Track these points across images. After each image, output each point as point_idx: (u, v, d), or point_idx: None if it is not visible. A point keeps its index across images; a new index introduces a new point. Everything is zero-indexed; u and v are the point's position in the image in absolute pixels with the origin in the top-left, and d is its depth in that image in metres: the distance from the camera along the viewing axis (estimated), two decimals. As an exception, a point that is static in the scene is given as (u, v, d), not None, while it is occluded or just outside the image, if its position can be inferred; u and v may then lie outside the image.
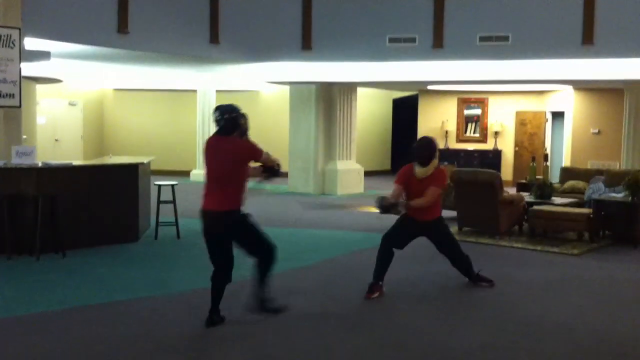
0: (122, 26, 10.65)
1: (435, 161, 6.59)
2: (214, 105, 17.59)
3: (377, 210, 6.62)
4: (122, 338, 5.18)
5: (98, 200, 8.67)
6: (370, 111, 19.90)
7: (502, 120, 17.59)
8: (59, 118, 18.54)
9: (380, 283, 6.56)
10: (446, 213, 11.27)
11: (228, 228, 5.48)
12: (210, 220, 5.48)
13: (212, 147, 5.50)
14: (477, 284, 6.96)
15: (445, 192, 6.63)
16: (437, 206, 6.77)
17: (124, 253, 8.42)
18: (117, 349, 4.95)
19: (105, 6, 10.58)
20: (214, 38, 12.08)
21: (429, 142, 6.66)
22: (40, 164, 8.35)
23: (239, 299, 6.29)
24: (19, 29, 9.00)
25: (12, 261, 7.72)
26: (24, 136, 10.86)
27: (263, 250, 5.61)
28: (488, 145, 17.71)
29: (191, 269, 7.63)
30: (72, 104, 18.87)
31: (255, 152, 5.47)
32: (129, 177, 9.10)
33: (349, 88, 15.54)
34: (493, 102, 17.75)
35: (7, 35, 8.90)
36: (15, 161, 8.20)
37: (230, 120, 5.43)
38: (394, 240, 6.70)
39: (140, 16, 10.84)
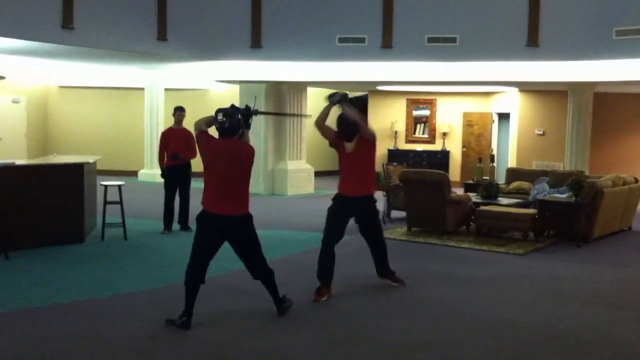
0: (67, 21, 10.40)
1: (358, 136, 6.61)
2: (162, 104, 17.43)
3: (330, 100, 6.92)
4: (69, 339, 5.07)
5: (42, 201, 8.47)
6: (320, 111, 19.88)
7: (449, 121, 17.82)
8: (2, 115, 18.03)
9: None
10: (395, 214, 11.45)
11: (249, 230, 5.69)
12: (231, 224, 5.56)
13: (226, 151, 5.55)
14: (387, 278, 6.96)
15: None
16: (372, 182, 6.75)
17: (70, 254, 8.24)
18: (63, 349, 4.84)
19: (49, 0, 10.32)
20: (162, 35, 11.92)
21: (354, 121, 6.64)
22: (-19, 163, 8.12)
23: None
24: (-41, 23, 8.74)
25: (-49, 263, 7.49)
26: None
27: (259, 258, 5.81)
28: (436, 146, 17.92)
29: (138, 270, 7.52)
30: (15, 101, 18.38)
31: (253, 155, 5.77)
32: (74, 176, 8.90)
33: (299, 87, 15.53)
34: (441, 103, 17.97)
35: (-54, 30, 8.63)
36: (-45, 159, 7.96)
37: (236, 123, 5.60)
38: (335, 237, 6.61)
39: (86, 11, 10.61)
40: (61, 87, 19.30)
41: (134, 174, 17.70)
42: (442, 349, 5.05)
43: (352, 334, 5.37)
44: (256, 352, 4.88)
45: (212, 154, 5.55)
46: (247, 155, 5.63)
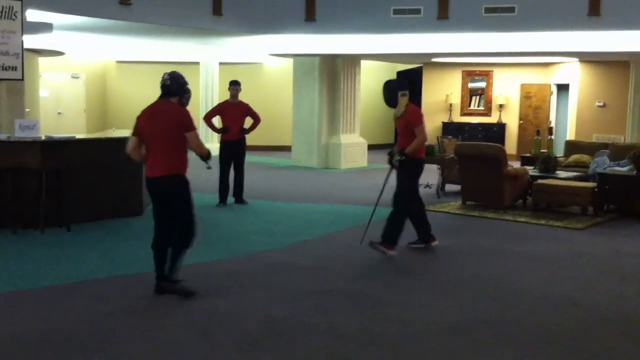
0: (125, -3, 10.55)
1: (404, 99, 6.90)
2: (216, 78, 17.60)
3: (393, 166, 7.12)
4: (128, 311, 5.19)
5: (102, 174, 8.65)
6: (374, 84, 19.74)
7: (506, 93, 17.49)
8: (62, 91, 18.48)
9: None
10: (450, 187, 11.33)
11: (169, 192, 5.52)
12: (155, 186, 5.53)
13: (153, 111, 5.55)
14: (427, 245, 7.29)
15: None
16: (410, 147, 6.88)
17: (129, 227, 8.42)
18: (125, 322, 4.96)
19: (107, -23, 10.46)
20: (217, 10, 11.97)
21: (387, 84, 7.09)
22: (43, 138, 8.32)
23: (243, 276, 6.34)
24: (21, 1, 8.92)
25: (17, 235, 7.73)
26: (27, 109, 10.82)
27: (185, 227, 5.61)
28: (492, 119, 17.63)
29: (196, 244, 7.61)
30: (75, 77, 18.79)
31: (189, 122, 5.52)
32: (132, 150, 9.04)
33: (353, 60, 15.43)
34: (498, 75, 17.62)
35: (9, 7, 8.83)
36: (19, 134, 8.16)
37: (177, 85, 5.57)
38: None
39: (143, -13, 10.75)
40: (119, 62, 19.63)
41: (189, 147, 17.91)
42: (500, 327, 4.98)
43: (408, 312, 5.33)
44: (313, 329, 4.88)
45: (140, 119, 5.55)
46: (172, 114, 5.50)
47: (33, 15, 9.75)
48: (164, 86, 5.58)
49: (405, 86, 7.01)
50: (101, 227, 8.29)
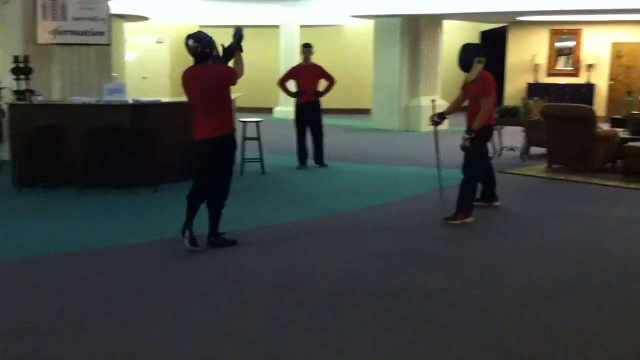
0: (207, -39, 10.63)
1: (479, 66, 6.69)
2: (297, 41, 17.56)
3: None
4: (216, 268, 5.29)
5: (187, 136, 8.78)
6: (456, 44, 19.22)
7: (596, 52, 16.78)
8: (147, 55, 18.88)
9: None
10: (535, 149, 11.02)
11: (224, 152, 5.74)
12: (213, 146, 5.69)
13: (197, 77, 5.65)
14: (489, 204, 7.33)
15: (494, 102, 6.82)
16: (472, 117, 6.76)
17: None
18: (207, 277, 5.08)
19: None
20: (298, -29, 11.91)
21: (465, 47, 6.90)
22: (130, 101, 8.53)
23: (325, 234, 6.37)
24: (107, -33, 9.12)
25: (107, 194, 7.99)
26: (114, 73, 11.11)
27: (225, 185, 5.89)
28: (581, 79, 16.99)
29: (277, 204, 7.71)
30: (159, 42, 19.14)
31: (232, 72, 5.72)
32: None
33: (435, 21, 15.10)
34: (587, 33, 16.92)
35: (96, -27, 9.04)
36: (107, 98, 8.40)
37: (207, 46, 5.63)
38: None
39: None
40: (202, 26, 19.83)
41: (269, 110, 18.08)
42: (587, 293, 4.82)
43: (492, 275, 5.23)
44: (394, 288, 4.87)
45: (185, 83, 5.71)
46: (217, 75, 5.65)
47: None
48: (199, 53, 5.60)
49: (483, 53, 6.78)
50: (186, 187, 8.42)
